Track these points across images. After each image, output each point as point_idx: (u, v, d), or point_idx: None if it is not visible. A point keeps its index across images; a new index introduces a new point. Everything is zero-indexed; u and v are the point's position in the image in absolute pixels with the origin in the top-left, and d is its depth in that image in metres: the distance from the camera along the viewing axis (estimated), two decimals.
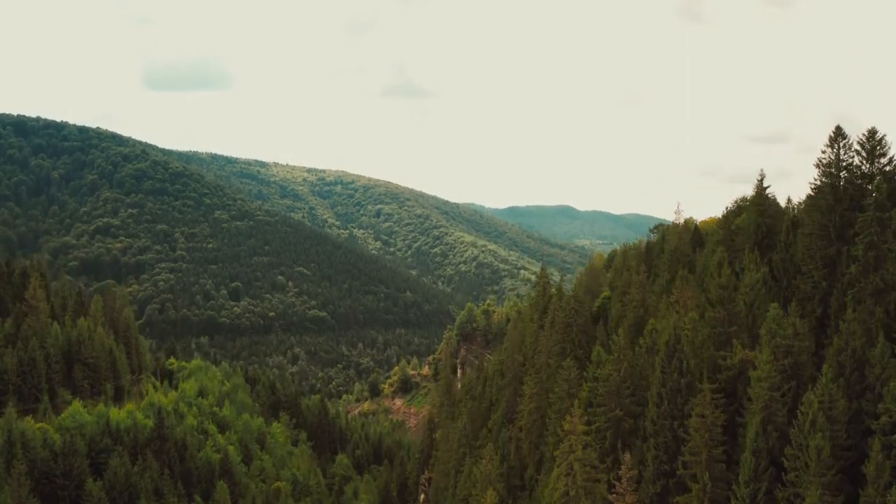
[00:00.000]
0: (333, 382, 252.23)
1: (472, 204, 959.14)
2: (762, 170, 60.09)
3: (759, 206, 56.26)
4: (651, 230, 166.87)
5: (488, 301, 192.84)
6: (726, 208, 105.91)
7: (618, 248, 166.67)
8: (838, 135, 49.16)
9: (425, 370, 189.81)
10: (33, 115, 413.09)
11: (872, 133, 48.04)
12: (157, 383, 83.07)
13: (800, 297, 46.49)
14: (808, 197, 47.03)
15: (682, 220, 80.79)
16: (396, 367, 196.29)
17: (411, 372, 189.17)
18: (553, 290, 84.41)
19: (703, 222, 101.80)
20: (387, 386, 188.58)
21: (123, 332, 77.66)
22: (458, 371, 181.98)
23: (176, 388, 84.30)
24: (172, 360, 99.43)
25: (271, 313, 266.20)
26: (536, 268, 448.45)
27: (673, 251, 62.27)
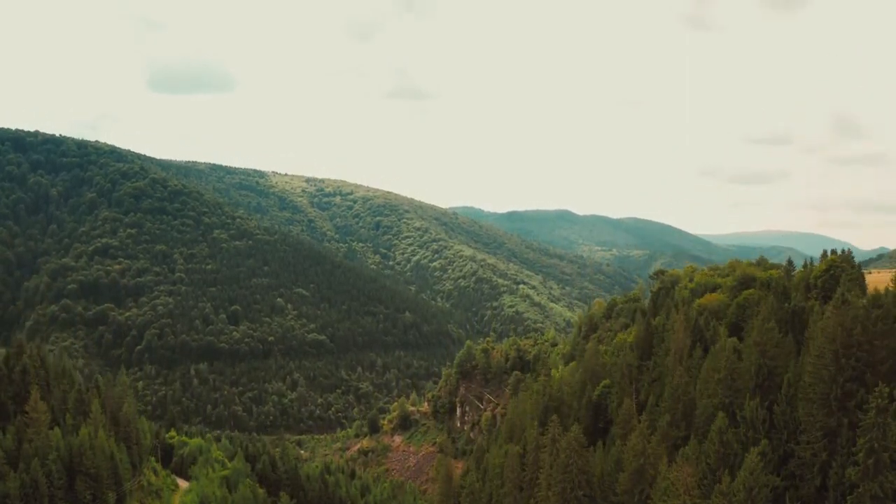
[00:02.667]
0: (333, 408, 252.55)
1: (472, 207, 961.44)
2: (762, 317, 59.91)
3: (760, 345, 56.31)
4: (651, 276, 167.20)
5: (487, 339, 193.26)
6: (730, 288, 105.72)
7: (618, 297, 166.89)
8: (843, 301, 49.27)
9: (424, 407, 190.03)
10: (32, 128, 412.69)
11: (876, 298, 48.19)
12: (158, 466, 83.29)
13: (798, 461, 46.75)
14: (811, 365, 47.11)
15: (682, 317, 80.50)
16: (395, 403, 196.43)
17: (410, 408, 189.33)
18: (554, 388, 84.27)
19: (709, 297, 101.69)
20: (386, 422, 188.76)
21: (124, 426, 77.79)
22: (458, 410, 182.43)
23: (176, 471, 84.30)
24: (173, 432, 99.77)
25: (270, 337, 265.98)
26: (536, 281, 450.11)
27: (674, 389, 61.84)
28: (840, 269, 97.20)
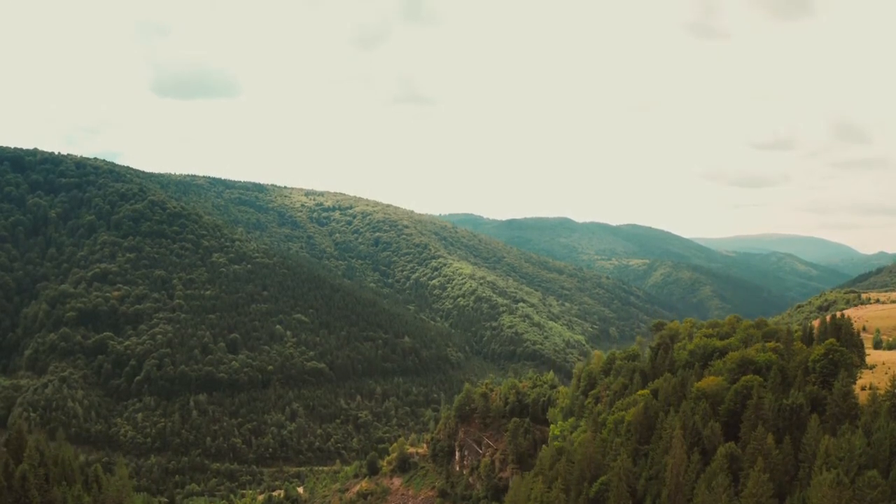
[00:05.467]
0: (332, 439, 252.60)
1: (472, 215, 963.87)
2: (759, 467, 60.08)
3: (756, 496, 56.31)
4: (651, 327, 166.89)
5: (486, 381, 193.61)
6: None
7: (617, 351, 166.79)
8: (838, 482, 49.23)
9: (423, 448, 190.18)
10: (31, 145, 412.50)
11: (871, 478, 48.17)
12: None
13: None
14: None
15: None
16: (395, 444, 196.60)
17: (409, 450, 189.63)
18: (552, 495, 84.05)
19: (707, 381, 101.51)
20: (385, 464, 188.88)
21: None
22: (457, 453, 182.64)
23: None
24: None
25: (269, 367, 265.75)
26: (535, 299, 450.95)
27: None
28: (839, 353, 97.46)
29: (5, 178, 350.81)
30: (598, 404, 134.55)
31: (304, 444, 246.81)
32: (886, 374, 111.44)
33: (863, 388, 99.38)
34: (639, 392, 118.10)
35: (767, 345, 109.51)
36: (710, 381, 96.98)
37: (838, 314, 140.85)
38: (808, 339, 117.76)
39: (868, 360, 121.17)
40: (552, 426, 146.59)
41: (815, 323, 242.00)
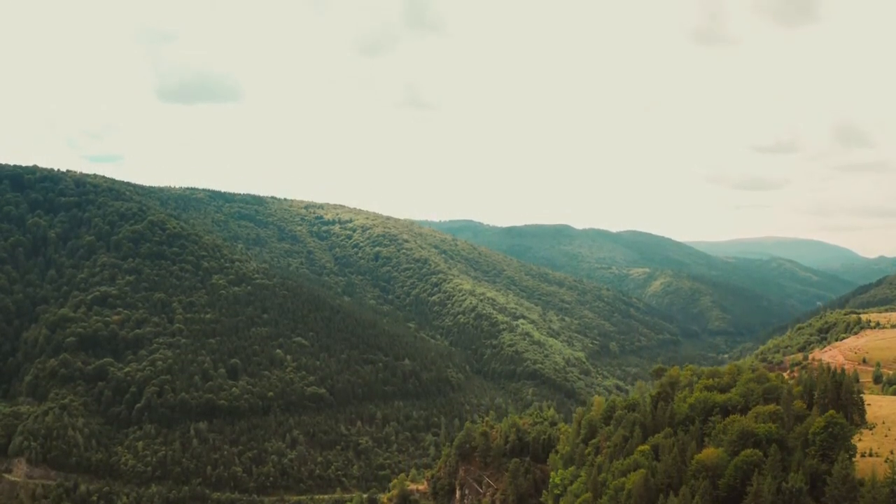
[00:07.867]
0: (333, 466, 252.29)
1: (472, 221, 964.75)
2: None
3: None
4: (651, 372, 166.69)
5: (486, 419, 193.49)
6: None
7: (618, 397, 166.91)
8: None
9: (423, 485, 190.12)
10: (31, 159, 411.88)
11: None
12: None
13: None
14: None
15: None
16: (395, 480, 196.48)
17: (410, 486, 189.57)
18: None
19: (707, 452, 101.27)
20: (386, 500, 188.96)
21: None
22: (457, 492, 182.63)
23: None
24: None
25: (270, 393, 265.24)
26: (535, 314, 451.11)
27: None
28: (839, 427, 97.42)
29: (4, 197, 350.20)
30: (599, 455, 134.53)
31: (305, 472, 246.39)
32: (886, 436, 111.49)
33: (863, 455, 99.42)
34: (639, 448, 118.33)
35: (768, 408, 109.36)
36: (710, 454, 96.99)
37: (837, 364, 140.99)
38: (808, 395, 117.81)
39: (869, 410, 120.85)
40: (552, 473, 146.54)
41: (817, 355, 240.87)
